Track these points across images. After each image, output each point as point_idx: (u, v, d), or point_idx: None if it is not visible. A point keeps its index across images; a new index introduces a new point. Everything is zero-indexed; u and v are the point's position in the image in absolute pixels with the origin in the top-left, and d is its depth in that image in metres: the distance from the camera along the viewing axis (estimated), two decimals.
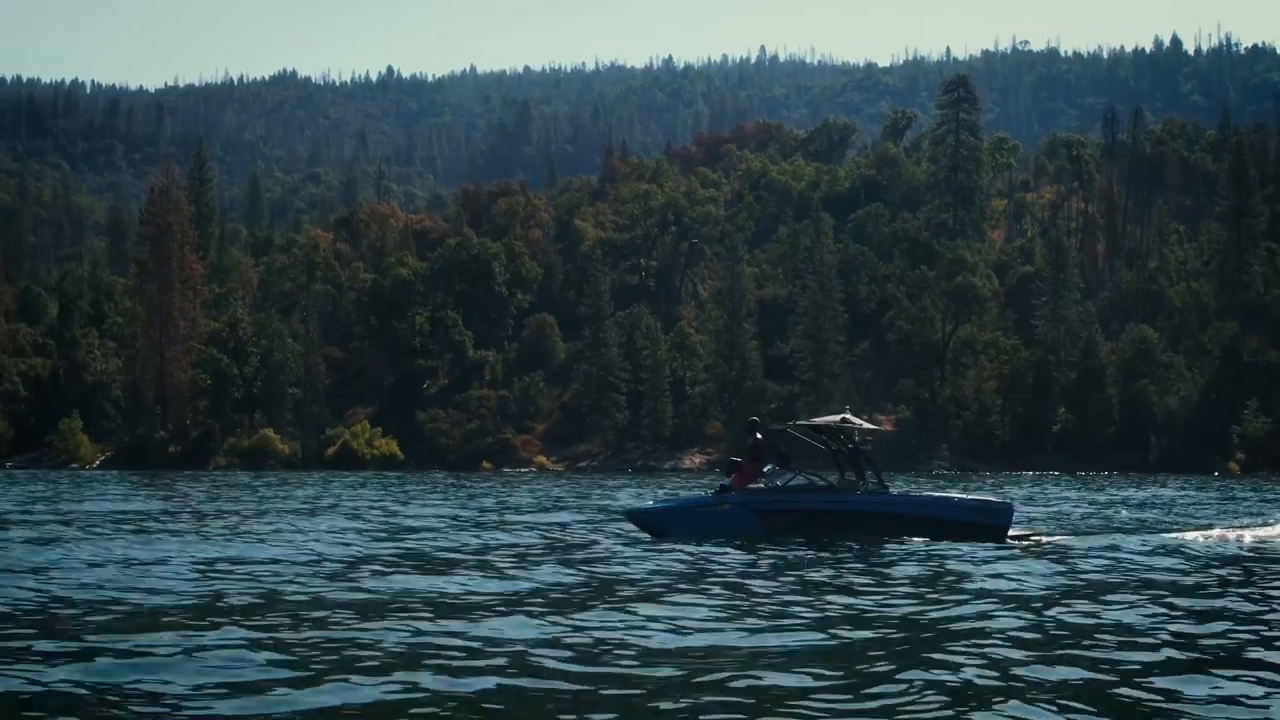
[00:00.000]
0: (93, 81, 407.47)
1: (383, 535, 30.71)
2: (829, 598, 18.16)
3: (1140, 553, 25.57)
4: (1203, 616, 16.56)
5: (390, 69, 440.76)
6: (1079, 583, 20.38)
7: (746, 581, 20.48)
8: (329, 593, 18.33)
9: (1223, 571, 22.23)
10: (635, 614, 16.39)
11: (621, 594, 18.52)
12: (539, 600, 17.71)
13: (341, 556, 24.44)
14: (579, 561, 24.02)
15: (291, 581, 19.73)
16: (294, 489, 63.05)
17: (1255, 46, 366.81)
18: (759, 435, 31.43)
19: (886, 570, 22.47)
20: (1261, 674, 12.78)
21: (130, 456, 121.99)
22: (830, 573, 21.89)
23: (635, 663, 13.15)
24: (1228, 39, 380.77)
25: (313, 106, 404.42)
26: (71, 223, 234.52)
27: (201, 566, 22.00)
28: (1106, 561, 23.89)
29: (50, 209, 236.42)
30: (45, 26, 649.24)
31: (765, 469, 30.78)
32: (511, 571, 21.70)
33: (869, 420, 37.62)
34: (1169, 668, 13.14)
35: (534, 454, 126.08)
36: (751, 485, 30.55)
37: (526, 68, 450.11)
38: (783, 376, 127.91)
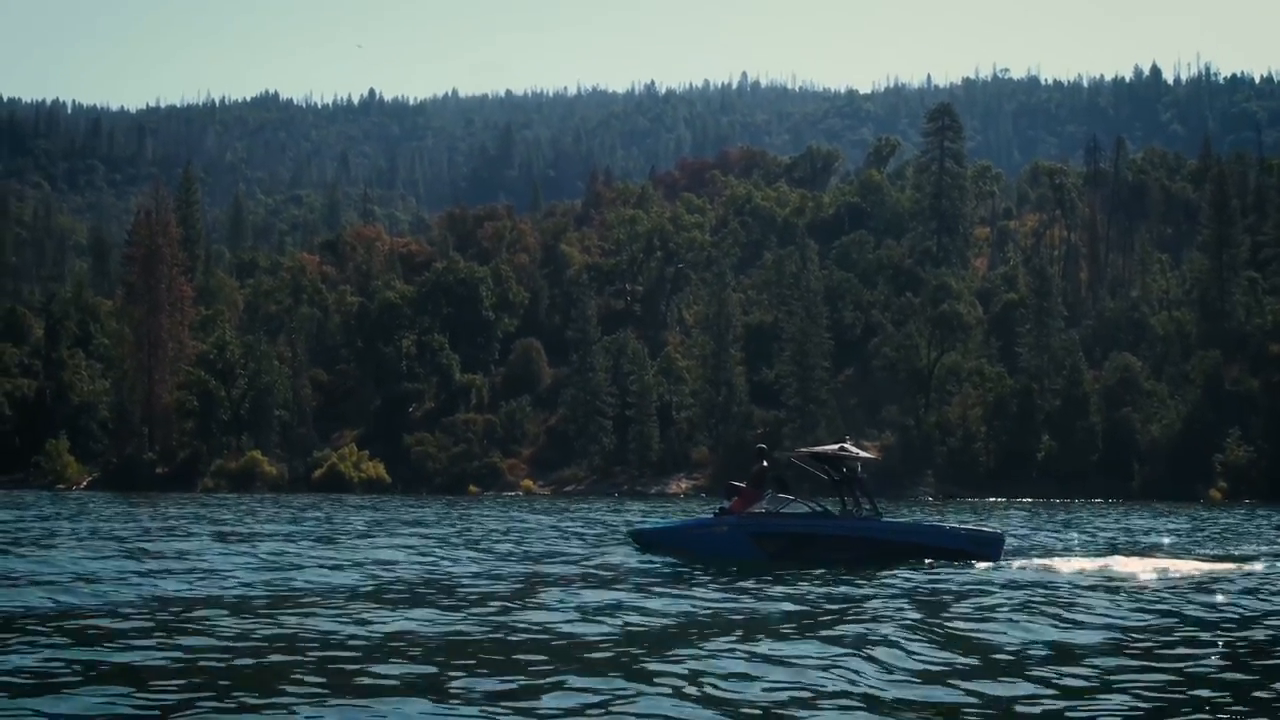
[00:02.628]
0: (74, 101, 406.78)
1: None
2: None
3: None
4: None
5: (372, 91, 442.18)
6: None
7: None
8: None
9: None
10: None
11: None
12: None
13: None
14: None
15: None
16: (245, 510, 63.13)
17: (1234, 76, 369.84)
18: (765, 463, 32.05)
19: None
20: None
21: (117, 478, 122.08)
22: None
23: None
24: (1207, 69, 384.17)
25: (294, 129, 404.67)
26: (53, 243, 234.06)
27: None
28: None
29: (31, 229, 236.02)
30: (26, 46, 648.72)
31: (766, 495, 31.50)
32: None
33: (866, 449, 38.47)
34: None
35: (521, 478, 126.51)
36: (751, 510, 31.27)
37: (509, 92, 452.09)
38: (769, 402, 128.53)
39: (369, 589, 22.84)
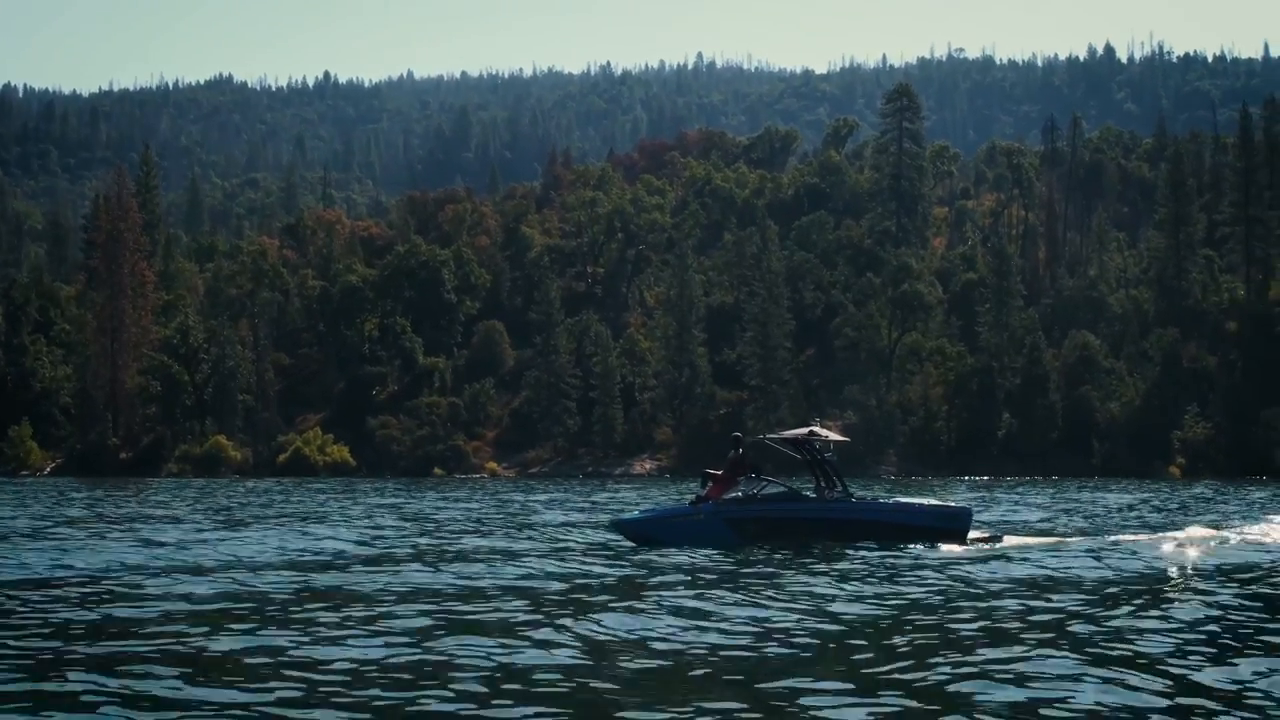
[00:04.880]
0: (26, 85, 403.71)
1: None
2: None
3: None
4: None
5: (327, 74, 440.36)
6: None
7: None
8: None
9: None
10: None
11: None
12: None
13: None
14: None
15: None
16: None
17: (1187, 55, 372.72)
18: (740, 450, 32.67)
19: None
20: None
21: (81, 463, 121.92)
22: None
23: None
24: (1160, 47, 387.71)
25: (249, 112, 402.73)
26: (7, 228, 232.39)
27: None
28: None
29: None
30: None
31: (742, 480, 32.19)
32: None
33: (832, 430, 39.14)
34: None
35: (485, 460, 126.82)
36: (726, 495, 31.93)
37: (464, 73, 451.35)
38: (731, 383, 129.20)
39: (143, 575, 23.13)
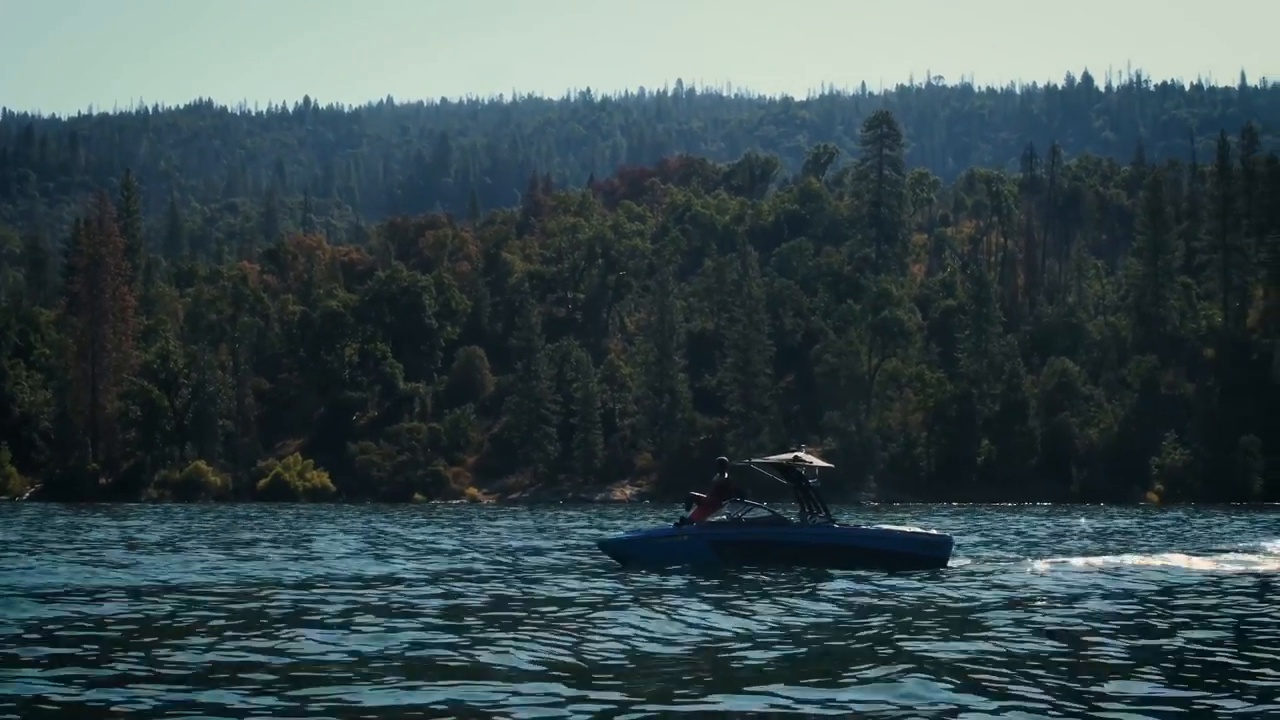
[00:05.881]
0: (5, 109, 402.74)
1: None
2: None
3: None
4: None
5: (307, 99, 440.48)
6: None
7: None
8: None
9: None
10: None
11: None
12: None
13: None
14: None
15: None
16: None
17: (1165, 84, 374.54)
18: (725, 474, 32.99)
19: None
20: None
21: (60, 488, 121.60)
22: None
23: None
24: (1138, 76, 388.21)
25: (229, 136, 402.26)
26: None
27: None
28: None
29: None
30: None
31: (726, 503, 32.51)
32: None
33: (815, 456, 39.36)
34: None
35: (465, 486, 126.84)
36: (711, 518, 32.26)
37: (444, 99, 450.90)
38: (711, 409, 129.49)
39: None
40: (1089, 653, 16.86)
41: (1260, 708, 13.40)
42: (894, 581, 26.77)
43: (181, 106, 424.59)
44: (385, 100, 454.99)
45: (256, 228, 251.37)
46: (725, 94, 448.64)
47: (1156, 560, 32.15)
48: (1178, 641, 17.82)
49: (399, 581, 26.71)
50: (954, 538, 34.26)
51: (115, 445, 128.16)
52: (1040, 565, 31.37)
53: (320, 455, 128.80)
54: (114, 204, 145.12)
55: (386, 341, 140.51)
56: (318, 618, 19.68)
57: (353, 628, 18.49)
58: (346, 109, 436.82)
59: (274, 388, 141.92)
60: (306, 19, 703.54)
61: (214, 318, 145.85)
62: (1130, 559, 32.59)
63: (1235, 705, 13.55)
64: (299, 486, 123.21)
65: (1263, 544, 39.97)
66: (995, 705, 13.25)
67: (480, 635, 17.94)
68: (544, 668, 15.38)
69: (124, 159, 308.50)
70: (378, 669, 15.21)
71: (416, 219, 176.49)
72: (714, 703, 13.50)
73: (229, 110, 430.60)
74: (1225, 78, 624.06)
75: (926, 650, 16.63)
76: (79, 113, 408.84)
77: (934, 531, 35.55)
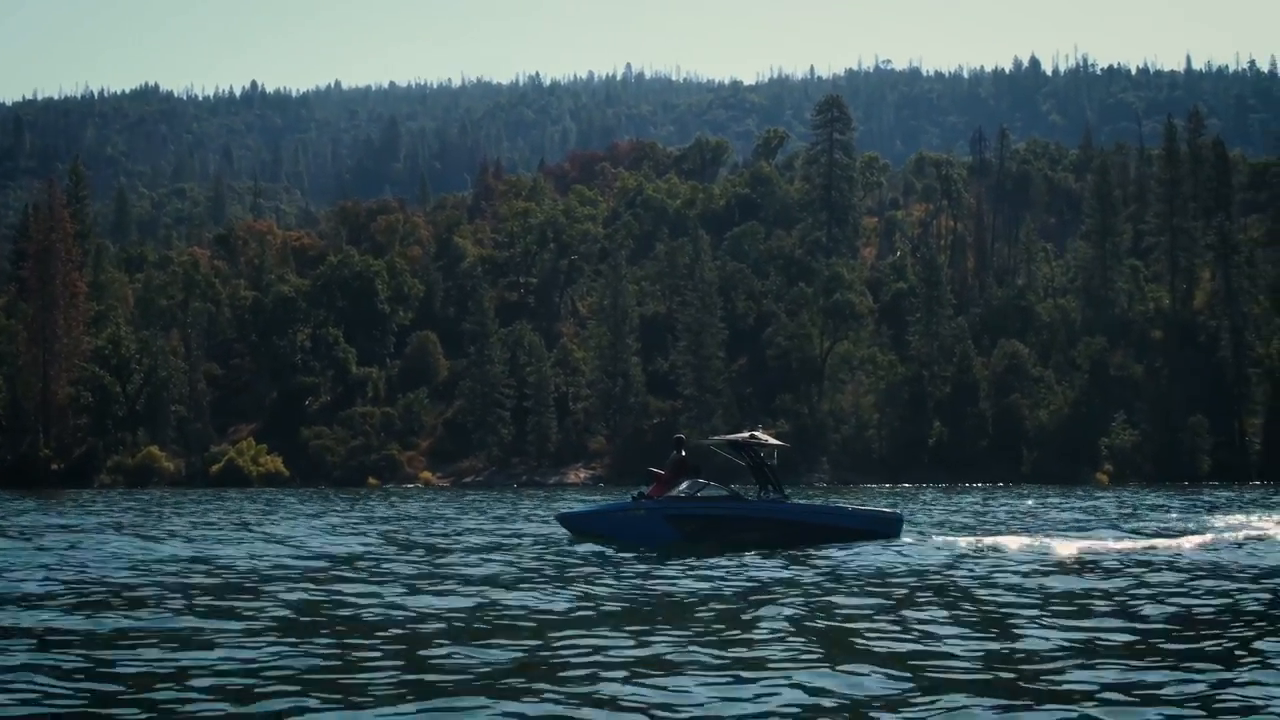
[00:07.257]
0: None
1: None
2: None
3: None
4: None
5: (254, 84, 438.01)
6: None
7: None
8: None
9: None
10: None
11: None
12: None
13: None
14: None
15: None
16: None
17: (1111, 67, 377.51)
18: (683, 451, 33.82)
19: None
20: None
21: (12, 475, 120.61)
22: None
23: None
24: (1084, 60, 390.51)
25: (176, 121, 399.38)
26: None
27: None
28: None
29: None
30: None
31: (683, 480, 33.09)
32: None
33: (775, 436, 40.08)
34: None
35: (419, 470, 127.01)
36: (668, 494, 32.84)
37: (392, 84, 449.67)
38: (664, 392, 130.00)
39: None
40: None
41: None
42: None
43: (128, 91, 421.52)
44: (333, 84, 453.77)
45: (205, 213, 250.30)
46: (674, 78, 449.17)
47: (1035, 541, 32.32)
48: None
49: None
50: (904, 515, 34.86)
51: (67, 431, 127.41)
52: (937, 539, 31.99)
53: (273, 440, 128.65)
54: (62, 190, 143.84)
55: (339, 326, 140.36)
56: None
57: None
58: (294, 94, 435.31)
59: (226, 373, 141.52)
60: (253, 3, 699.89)
61: (165, 303, 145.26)
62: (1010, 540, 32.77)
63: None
64: (252, 471, 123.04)
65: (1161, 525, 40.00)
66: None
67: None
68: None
69: (70, 144, 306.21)
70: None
71: (367, 204, 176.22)
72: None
73: (176, 95, 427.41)
74: (1171, 61, 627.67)
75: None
76: (24, 97, 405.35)
77: (885, 509, 36.66)
